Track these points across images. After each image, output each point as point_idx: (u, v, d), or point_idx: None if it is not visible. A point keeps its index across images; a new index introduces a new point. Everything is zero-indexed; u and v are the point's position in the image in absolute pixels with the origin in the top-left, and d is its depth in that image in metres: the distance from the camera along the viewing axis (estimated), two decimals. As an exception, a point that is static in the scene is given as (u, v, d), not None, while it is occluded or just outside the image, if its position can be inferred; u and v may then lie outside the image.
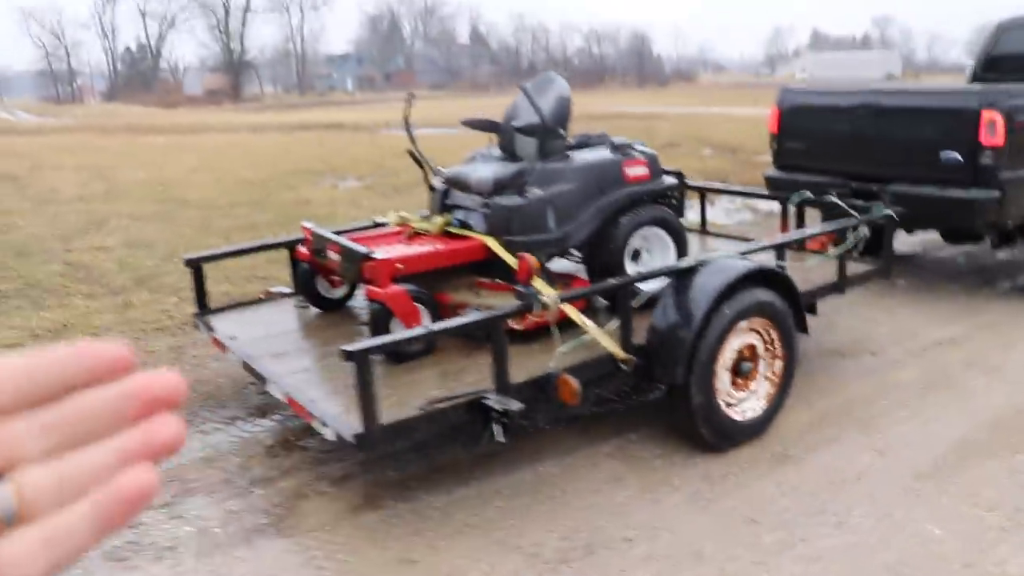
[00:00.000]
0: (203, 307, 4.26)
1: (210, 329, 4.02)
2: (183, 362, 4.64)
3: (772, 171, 6.39)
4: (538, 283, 3.17)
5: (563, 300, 3.13)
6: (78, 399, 0.41)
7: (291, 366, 3.47)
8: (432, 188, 4.36)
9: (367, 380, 2.68)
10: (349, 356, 2.69)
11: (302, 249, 4.18)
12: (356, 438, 2.72)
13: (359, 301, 4.21)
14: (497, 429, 2.91)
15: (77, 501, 0.40)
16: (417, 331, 3.06)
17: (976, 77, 7.50)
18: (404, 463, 3.41)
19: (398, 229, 4.14)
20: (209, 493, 3.21)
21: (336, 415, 2.91)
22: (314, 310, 4.25)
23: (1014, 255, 6.52)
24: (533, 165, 3.85)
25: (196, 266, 4.25)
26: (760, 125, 9.52)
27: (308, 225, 4.14)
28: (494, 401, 2.91)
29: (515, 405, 2.90)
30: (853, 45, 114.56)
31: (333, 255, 3.76)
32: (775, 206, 5.57)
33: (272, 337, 3.88)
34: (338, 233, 4.02)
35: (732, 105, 30.12)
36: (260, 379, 3.41)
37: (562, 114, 3.97)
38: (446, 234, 3.96)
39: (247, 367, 3.52)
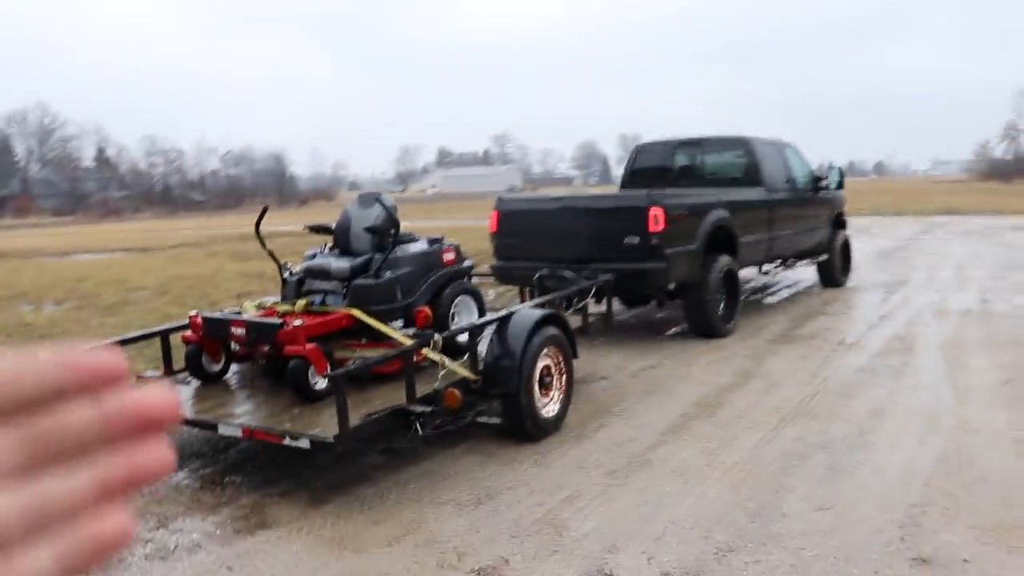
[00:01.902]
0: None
1: None
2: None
3: (496, 262, 8.38)
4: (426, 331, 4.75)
5: (444, 338, 4.72)
6: (63, 412, 0.38)
7: (224, 413, 4.67)
8: (284, 280, 5.71)
9: (343, 397, 4.06)
10: (331, 379, 4.08)
11: (187, 333, 5.31)
12: (336, 438, 4.07)
13: (231, 373, 5.43)
14: (416, 427, 4.41)
15: (44, 537, 0.37)
16: (374, 357, 4.48)
17: (624, 185, 10.20)
18: (326, 476, 4.71)
19: (267, 312, 5.43)
20: (186, 513, 4.28)
21: (301, 429, 4.22)
22: (195, 382, 5.36)
23: (670, 312, 9.10)
24: (374, 255, 5.42)
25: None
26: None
27: (195, 314, 5.30)
28: (413, 407, 4.41)
29: (424, 408, 4.43)
30: (476, 161, 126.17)
31: (238, 331, 5.00)
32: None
33: (189, 401, 5.00)
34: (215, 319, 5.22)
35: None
36: (209, 426, 4.57)
37: (388, 219, 5.58)
38: (308, 313, 5.33)
39: (191, 423, 4.64)
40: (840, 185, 11.38)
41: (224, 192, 68.72)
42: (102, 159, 74.18)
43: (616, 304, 8.63)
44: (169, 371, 5.61)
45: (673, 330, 8.71)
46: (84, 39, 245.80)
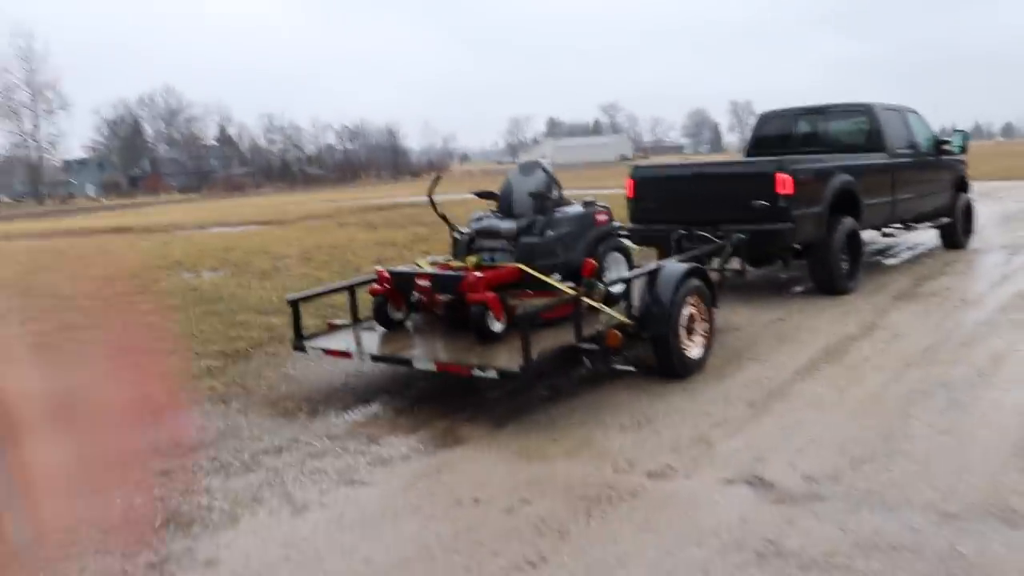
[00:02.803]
0: (299, 336, 6.15)
1: (323, 349, 5.95)
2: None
3: (633, 224, 9.07)
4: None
5: (606, 287, 5.48)
6: None
7: (415, 352, 5.55)
8: (455, 239, 6.55)
9: (527, 334, 4.86)
10: (519, 319, 4.89)
11: (375, 286, 6.20)
12: (521, 368, 4.88)
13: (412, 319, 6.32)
14: (586, 361, 5.20)
15: None
16: (549, 301, 5.28)
17: (749, 152, 10.73)
18: (502, 406, 5.55)
19: (443, 267, 6.27)
20: (390, 433, 5.16)
21: (490, 364, 5.04)
22: (380, 329, 6.26)
23: (794, 273, 9.65)
24: (536, 217, 6.20)
25: (295, 304, 6.16)
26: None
27: (382, 269, 6.19)
28: (582, 343, 5.19)
29: (591, 346, 5.21)
30: (586, 131, 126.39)
31: (423, 283, 5.86)
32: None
33: (379, 342, 5.90)
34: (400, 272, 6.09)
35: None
36: (405, 362, 5.45)
37: (549, 184, 6.34)
38: (478, 267, 6.15)
39: (389, 359, 5.54)
40: (963, 149, 11.62)
41: (340, 166, 71.13)
42: (224, 137, 77.90)
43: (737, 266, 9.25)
44: (356, 319, 6.54)
45: (798, 288, 9.28)
46: (204, 21, 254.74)
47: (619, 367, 5.61)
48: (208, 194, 57.71)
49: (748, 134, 11.90)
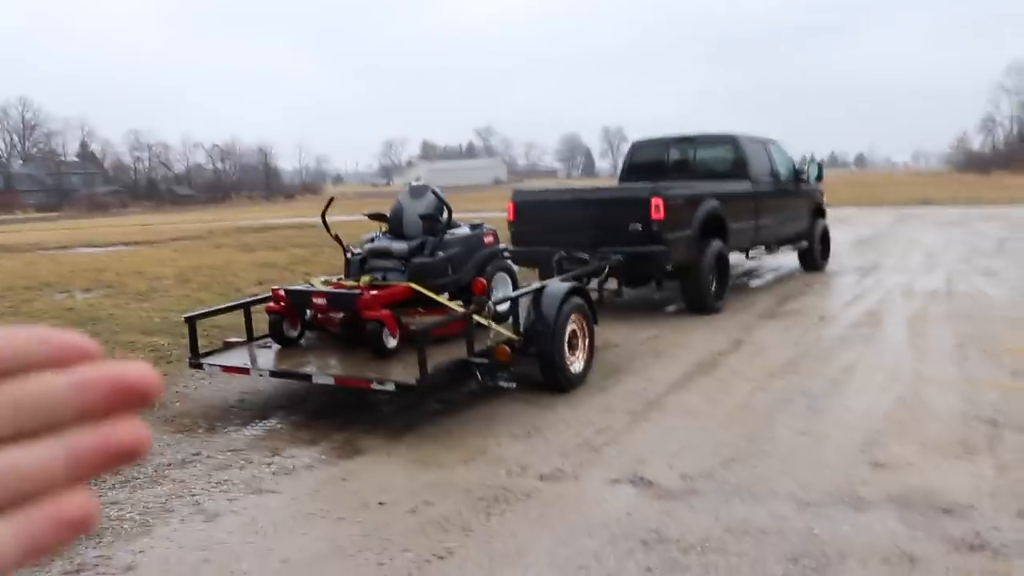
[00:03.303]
0: (195, 353, 6.27)
1: (220, 366, 6.08)
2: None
3: (512, 247, 9.47)
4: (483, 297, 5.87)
5: (498, 304, 5.83)
6: (34, 380, 0.37)
7: (312, 368, 5.76)
8: (348, 260, 6.79)
9: (424, 349, 5.16)
10: (415, 335, 5.18)
11: (271, 304, 6.38)
12: (417, 381, 5.17)
13: (307, 337, 6.52)
14: (477, 374, 5.53)
15: (7, 510, 0.36)
16: (442, 318, 5.58)
17: (623, 178, 11.34)
18: (397, 420, 5.81)
19: (336, 286, 6.50)
20: (291, 445, 5.36)
21: (387, 377, 5.31)
22: (275, 346, 6.44)
23: (666, 294, 10.25)
24: (427, 238, 6.51)
25: (191, 322, 6.28)
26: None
27: (278, 288, 6.38)
28: (473, 358, 5.52)
29: (481, 360, 5.54)
30: (460, 154, 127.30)
31: (319, 300, 6.08)
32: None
33: (276, 359, 6.08)
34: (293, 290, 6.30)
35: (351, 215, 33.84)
36: (304, 378, 5.66)
37: (439, 207, 6.67)
38: (372, 287, 6.41)
39: (285, 375, 5.74)
40: (819, 178, 12.59)
41: (211, 186, 69.54)
42: (86, 154, 74.84)
43: (614, 286, 9.78)
44: (251, 337, 6.69)
45: (671, 308, 9.88)
46: (67, 34, 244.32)
47: (502, 384, 5.93)
48: (69, 213, 55.40)
49: (620, 160, 12.57)
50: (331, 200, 7.21)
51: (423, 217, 6.64)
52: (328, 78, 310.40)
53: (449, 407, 6.04)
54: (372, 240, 6.84)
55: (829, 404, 5.76)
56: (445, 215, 6.67)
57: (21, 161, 75.91)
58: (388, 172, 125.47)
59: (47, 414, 0.37)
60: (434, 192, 6.79)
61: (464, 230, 6.76)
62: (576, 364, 6.42)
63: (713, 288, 9.38)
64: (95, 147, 76.40)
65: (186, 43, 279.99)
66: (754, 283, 12.06)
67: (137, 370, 0.40)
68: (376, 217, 7.09)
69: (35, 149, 76.79)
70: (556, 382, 6.21)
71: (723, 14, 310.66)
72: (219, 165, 74.53)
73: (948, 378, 6.30)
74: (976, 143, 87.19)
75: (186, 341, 8.88)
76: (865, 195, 35.76)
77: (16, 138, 77.88)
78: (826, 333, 8.15)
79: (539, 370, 6.22)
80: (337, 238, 6.94)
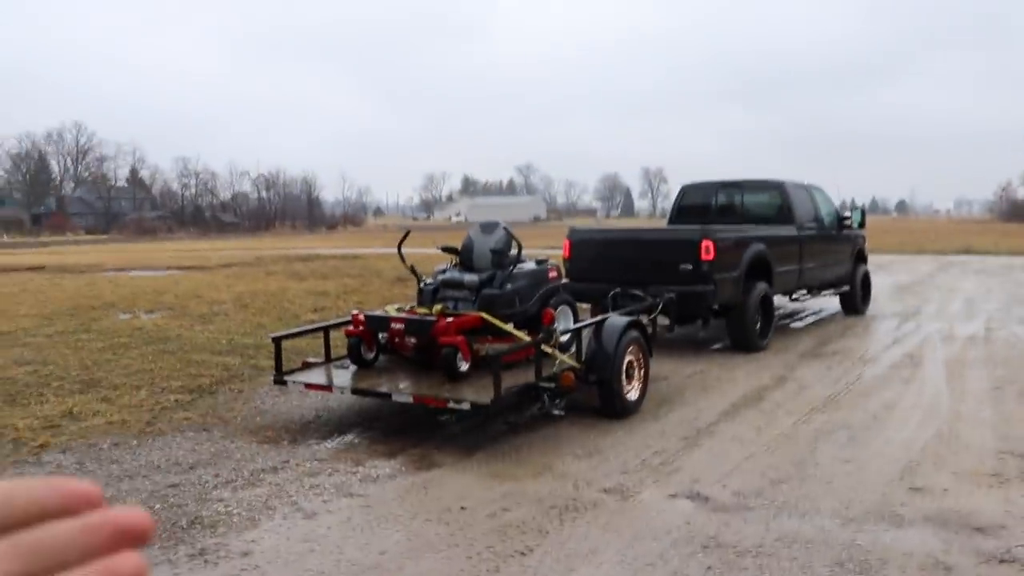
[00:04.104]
0: (279, 371, 6.84)
1: (304, 383, 6.65)
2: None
3: (568, 282, 10.01)
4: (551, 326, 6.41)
5: (565, 334, 6.36)
6: (49, 528, 0.43)
7: (390, 387, 6.29)
8: (421, 290, 7.35)
9: (499, 372, 5.68)
10: (487, 359, 5.71)
11: (350, 328, 6.94)
12: (491, 401, 5.69)
13: (382, 360, 7.06)
14: (545, 398, 6.04)
15: None
16: (513, 345, 6.11)
17: (672, 220, 11.85)
18: (466, 439, 6.33)
19: (410, 313, 7.05)
20: (371, 458, 5.88)
21: (463, 397, 5.83)
22: (352, 367, 6.98)
23: (711, 333, 10.72)
24: (496, 272, 7.06)
25: (277, 341, 6.86)
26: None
27: (357, 312, 6.94)
28: (541, 382, 6.04)
29: (548, 384, 6.06)
30: (501, 190, 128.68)
31: (397, 326, 6.63)
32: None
33: (353, 379, 6.63)
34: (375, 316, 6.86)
35: (415, 247, 34.61)
36: (383, 396, 6.20)
37: (508, 242, 7.22)
38: (443, 315, 6.95)
39: (366, 392, 6.28)
40: (862, 224, 13.03)
41: (254, 214, 71.07)
42: (136, 179, 76.89)
43: (665, 322, 10.26)
44: (328, 358, 7.26)
45: (716, 345, 10.34)
46: (121, 62, 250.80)
47: (554, 411, 6.43)
48: (117, 236, 56.94)
49: (659, 200, 13.21)
50: (407, 233, 7.81)
51: (494, 251, 7.18)
52: (371, 109, 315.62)
53: (515, 430, 6.54)
54: (444, 271, 7.39)
55: (869, 436, 6.19)
56: (514, 250, 7.22)
57: (73, 184, 78.17)
58: (428, 206, 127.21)
59: (61, 556, 0.43)
60: (505, 229, 7.35)
61: (530, 265, 7.30)
62: (632, 393, 6.90)
63: (758, 327, 9.83)
64: (145, 173, 78.83)
65: (234, 73, 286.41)
66: (796, 325, 12.48)
67: (134, 514, 0.46)
68: (448, 250, 7.66)
69: (87, 173, 79.13)
70: (613, 408, 6.70)
71: (762, 56, 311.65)
72: (263, 194, 76.38)
73: (983, 417, 6.70)
74: (1020, 192, 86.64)
75: (255, 361, 9.55)
76: (907, 242, 35.96)
77: (70, 162, 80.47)
78: (867, 372, 8.57)
79: (598, 397, 6.72)
80: (413, 269, 7.51)
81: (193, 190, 75.10)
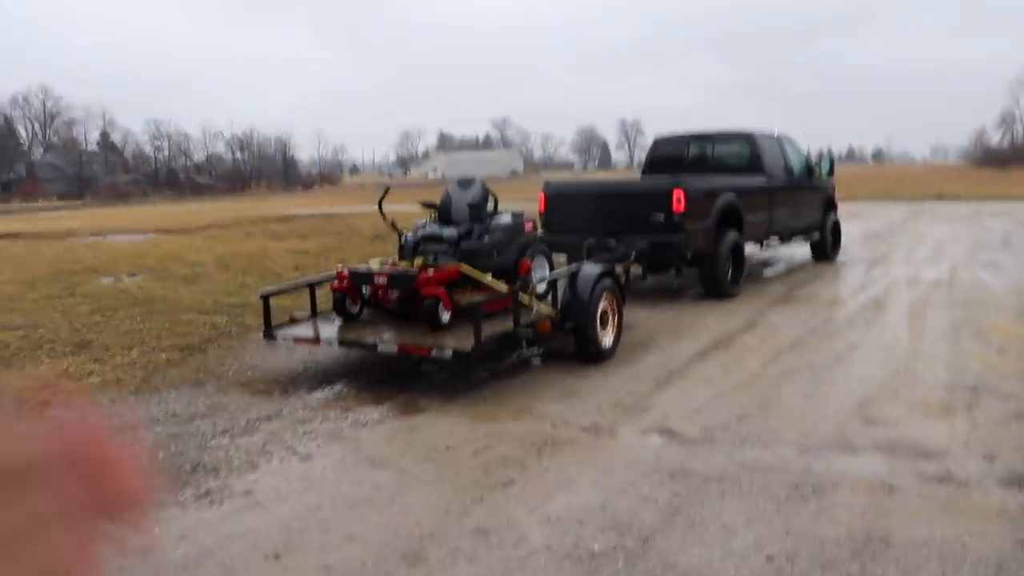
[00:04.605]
0: (269, 326, 7.12)
1: (293, 337, 6.94)
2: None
3: (544, 234, 10.31)
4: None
5: (541, 283, 6.68)
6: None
7: (375, 338, 6.60)
8: (402, 245, 7.62)
9: (479, 321, 5.99)
10: (469, 309, 6.02)
11: (335, 283, 7.22)
12: (472, 348, 6.01)
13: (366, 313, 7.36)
14: (523, 344, 6.37)
15: None
16: (491, 295, 6.43)
17: (645, 171, 12.16)
18: (449, 385, 6.66)
19: (392, 266, 7.33)
20: (359, 406, 6.20)
21: (445, 345, 6.15)
22: (338, 321, 7.28)
23: (685, 279, 11.08)
24: (474, 225, 7.35)
25: (265, 298, 7.14)
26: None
27: (341, 268, 7.22)
28: (519, 330, 6.37)
29: (527, 332, 6.39)
30: (477, 145, 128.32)
31: (380, 279, 6.92)
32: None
33: (339, 332, 6.93)
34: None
35: (393, 203, 34.72)
36: (368, 347, 6.51)
37: (485, 196, 7.50)
38: (423, 267, 7.24)
39: (352, 344, 6.58)
40: (831, 173, 13.37)
41: (230, 175, 70.72)
42: (107, 143, 76.14)
43: (639, 271, 10.59)
44: (314, 312, 7.54)
45: (689, 293, 10.71)
46: (87, 23, 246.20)
47: (531, 358, 6.79)
48: (91, 201, 56.52)
49: (636, 152, 13.51)
50: (387, 190, 8.06)
51: (471, 206, 7.47)
52: (345, 67, 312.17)
53: (494, 376, 6.87)
54: (423, 226, 7.67)
55: (831, 374, 6.57)
56: (491, 204, 7.50)
57: (43, 150, 77.30)
58: (405, 163, 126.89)
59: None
60: (481, 184, 7.62)
61: (507, 218, 7.59)
62: (607, 339, 7.25)
63: (729, 275, 10.19)
64: (116, 136, 78.10)
65: (204, 33, 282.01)
66: (768, 272, 12.87)
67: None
68: (428, 205, 7.93)
69: (56, 138, 78.27)
70: (589, 354, 7.04)
71: (737, 6, 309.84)
72: (238, 155, 75.99)
73: (939, 354, 7.10)
74: (995, 138, 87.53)
75: (242, 319, 9.82)
76: (880, 189, 36.44)
77: (38, 127, 79.56)
78: (833, 316, 8.96)
79: (574, 343, 7.05)
80: (393, 224, 7.78)
81: (166, 152, 74.73)
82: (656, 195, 9.56)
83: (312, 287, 7.62)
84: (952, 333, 7.90)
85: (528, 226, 7.66)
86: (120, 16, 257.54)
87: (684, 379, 6.61)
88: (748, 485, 4.37)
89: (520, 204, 11.86)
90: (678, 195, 9.35)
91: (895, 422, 5.36)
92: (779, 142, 12.34)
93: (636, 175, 14.05)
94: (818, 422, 5.40)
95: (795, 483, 4.38)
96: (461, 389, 6.51)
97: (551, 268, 7.79)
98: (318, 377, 7.05)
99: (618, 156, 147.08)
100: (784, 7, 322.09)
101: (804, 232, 12.85)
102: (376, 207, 7.92)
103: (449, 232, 7.35)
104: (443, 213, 7.75)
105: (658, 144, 12.60)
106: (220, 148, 78.67)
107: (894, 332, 8.05)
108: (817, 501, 4.15)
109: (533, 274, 7.49)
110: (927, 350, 7.25)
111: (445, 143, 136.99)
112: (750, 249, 11.56)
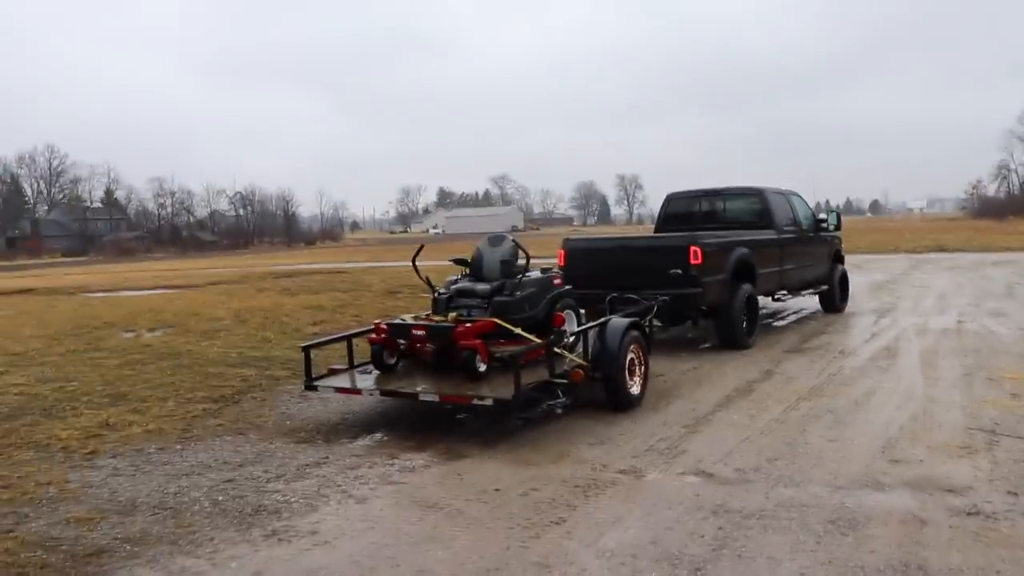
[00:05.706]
0: (310, 377, 7.45)
1: (334, 387, 7.27)
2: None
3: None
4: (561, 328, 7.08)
5: (572, 335, 7.03)
6: None
7: (415, 389, 6.92)
8: (435, 299, 7.98)
9: (519, 370, 6.33)
10: (508, 361, 6.36)
11: (373, 336, 7.56)
12: (513, 397, 6.33)
13: (401, 364, 7.69)
14: (559, 392, 6.71)
15: None
16: (529, 346, 6.77)
17: (659, 228, 12.58)
18: (486, 434, 6.96)
19: (424, 321, 7.67)
20: (404, 451, 6.49)
21: (485, 394, 6.48)
22: (375, 372, 7.60)
23: (699, 333, 11.43)
24: (505, 280, 7.72)
25: (307, 350, 7.47)
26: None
27: (379, 321, 7.57)
28: (555, 379, 6.70)
29: (562, 381, 6.73)
30: (477, 201, 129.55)
31: (418, 332, 7.26)
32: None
33: (377, 383, 7.25)
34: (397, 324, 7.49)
35: (398, 260, 35.12)
36: (410, 396, 6.83)
37: (516, 253, 7.88)
38: (459, 321, 7.58)
39: (394, 394, 6.91)
40: (838, 226, 13.82)
41: (232, 232, 71.43)
42: (111, 200, 77.04)
43: (659, 323, 10.93)
44: (352, 364, 7.87)
45: (706, 344, 11.05)
46: (93, 84, 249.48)
47: (558, 407, 7.16)
48: (96, 258, 57.04)
49: (635, 206, 13.87)
50: (421, 247, 8.45)
51: (503, 262, 7.83)
52: (345, 125, 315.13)
53: (528, 424, 7.18)
54: (455, 282, 8.03)
55: (852, 419, 6.89)
56: (522, 260, 7.88)
57: (47, 207, 78.13)
58: (405, 219, 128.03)
59: None
60: (513, 241, 8.00)
61: (536, 273, 7.96)
62: (635, 387, 7.57)
63: (744, 326, 10.54)
64: (120, 193, 79.00)
65: (207, 94, 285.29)
66: (779, 323, 13.22)
67: None
68: (459, 262, 8.30)
69: (61, 195, 79.20)
70: (618, 402, 7.36)
71: (727, 60, 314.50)
72: (240, 212, 76.67)
73: (954, 399, 7.42)
74: (991, 189, 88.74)
75: (270, 372, 10.14)
76: (880, 242, 36.99)
77: (43, 185, 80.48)
78: (847, 364, 9.29)
79: (604, 392, 7.38)
80: (428, 280, 8.14)
81: (169, 209, 75.55)
82: (674, 250, 9.95)
83: (350, 339, 7.96)
84: (965, 379, 8.22)
85: (557, 280, 8.02)
86: (125, 77, 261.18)
87: (711, 425, 6.92)
88: (787, 521, 4.67)
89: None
90: (695, 250, 9.73)
91: (919, 461, 5.67)
92: (787, 197, 12.79)
93: (637, 229, 14.49)
94: (845, 462, 5.70)
95: (831, 518, 4.68)
96: (499, 437, 6.81)
97: (579, 321, 8.14)
98: (358, 426, 7.35)
99: (617, 211, 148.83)
100: (775, 59, 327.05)
101: (813, 284, 13.24)
102: (410, 263, 8.29)
103: (482, 287, 7.71)
104: (475, 269, 8.12)
105: (671, 200, 13.06)
106: (223, 205, 79.78)
107: (908, 379, 8.37)
108: (854, 534, 4.45)
109: (566, 326, 7.84)
110: (942, 396, 7.57)
111: (445, 199, 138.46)
112: (762, 301, 11.93)
